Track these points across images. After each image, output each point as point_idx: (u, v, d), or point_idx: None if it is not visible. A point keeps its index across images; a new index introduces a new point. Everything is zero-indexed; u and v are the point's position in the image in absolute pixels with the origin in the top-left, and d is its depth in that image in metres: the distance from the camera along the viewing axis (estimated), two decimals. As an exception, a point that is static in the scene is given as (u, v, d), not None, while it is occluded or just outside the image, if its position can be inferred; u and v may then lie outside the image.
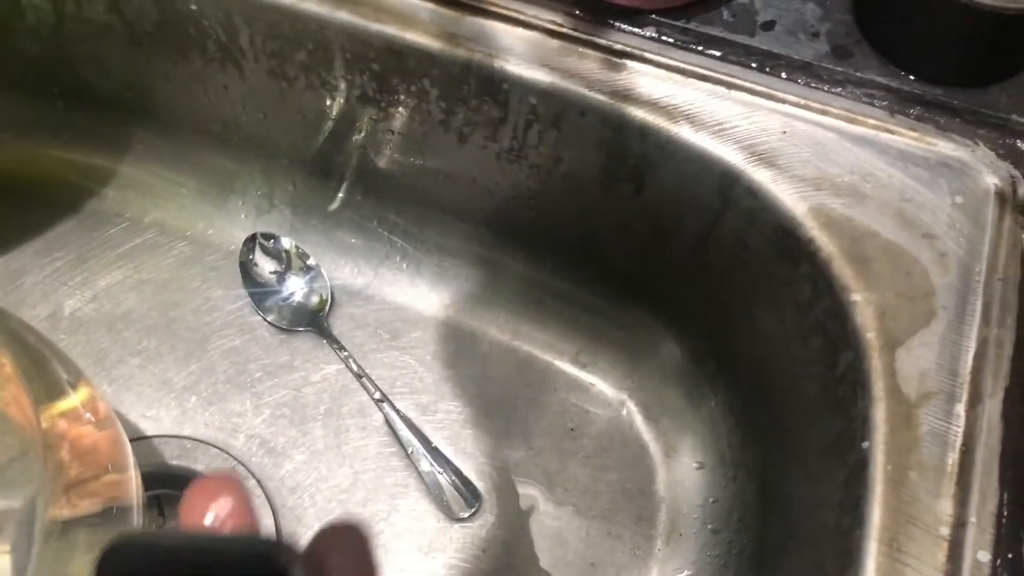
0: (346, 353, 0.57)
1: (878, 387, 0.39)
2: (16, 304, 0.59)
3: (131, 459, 0.48)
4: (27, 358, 0.47)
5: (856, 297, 0.40)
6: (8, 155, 0.62)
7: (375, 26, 0.46)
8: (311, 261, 0.59)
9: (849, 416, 0.40)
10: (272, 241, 0.59)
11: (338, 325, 0.58)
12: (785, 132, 0.44)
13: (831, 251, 0.42)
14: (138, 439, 0.55)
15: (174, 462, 0.55)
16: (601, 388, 0.57)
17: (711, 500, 0.53)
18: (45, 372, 0.48)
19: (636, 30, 0.46)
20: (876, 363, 0.39)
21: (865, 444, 0.38)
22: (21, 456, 0.48)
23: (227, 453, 0.55)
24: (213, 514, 0.22)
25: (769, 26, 0.46)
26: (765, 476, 0.50)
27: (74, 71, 0.57)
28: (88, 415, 0.50)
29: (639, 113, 0.44)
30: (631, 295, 0.55)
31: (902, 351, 0.39)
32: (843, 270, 0.41)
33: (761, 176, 0.43)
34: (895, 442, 0.38)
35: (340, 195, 0.59)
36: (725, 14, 0.46)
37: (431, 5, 0.46)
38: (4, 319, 0.46)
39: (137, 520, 0.47)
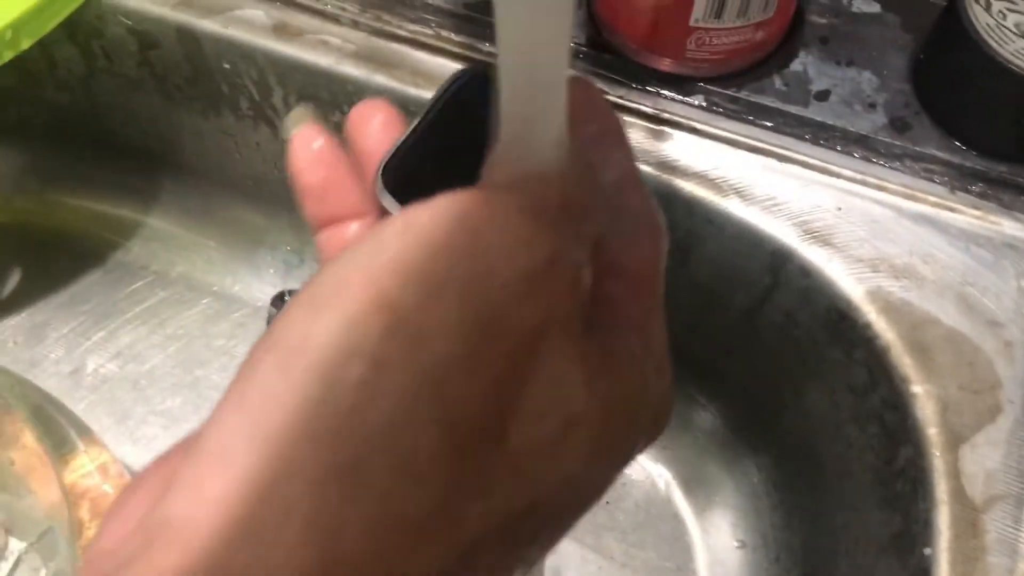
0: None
1: (941, 488, 0.37)
2: (39, 359, 0.57)
3: None
4: (43, 426, 0.46)
5: (916, 389, 0.38)
6: (33, 205, 0.61)
7: (413, 91, 0.45)
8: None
9: (909, 516, 0.38)
10: (300, 299, 0.58)
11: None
12: (840, 208, 0.42)
13: (889, 338, 0.39)
14: (159, 503, 0.54)
15: (196, 528, 0.53)
16: (638, 458, 0.55)
17: (753, 583, 0.51)
18: (59, 438, 0.47)
19: (684, 98, 0.44)
20: (938, 462, 0.37)
21: (928, 551, 0.36)
22: (48, 532, 0.47)
23: (250, 520, 0.53)
24: None
25: (824, 96, 0.44)
26: (810, 563, 0.48)
27: (102, 122, 0.56)
28: (102, 478, 0.49)
29: (686, 186, 0.43)
30: (672, 364, 0.53)
31: (966, 449, 0.37)
32: (902, 359, 0.39)
33: (815, 255, 0.41)
34: (960, 550, 0.35)
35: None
36: (777, 82, 0.44)
37: (471, 69, 0.45)
38: (23, 388, 0.45)
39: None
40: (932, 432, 0.37)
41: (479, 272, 0.17)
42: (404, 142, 0.26)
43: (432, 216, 0.17)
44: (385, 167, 0.25)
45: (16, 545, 0.49)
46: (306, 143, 0.26)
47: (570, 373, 0.18)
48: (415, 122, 0.26)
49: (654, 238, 0.23)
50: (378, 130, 0.26)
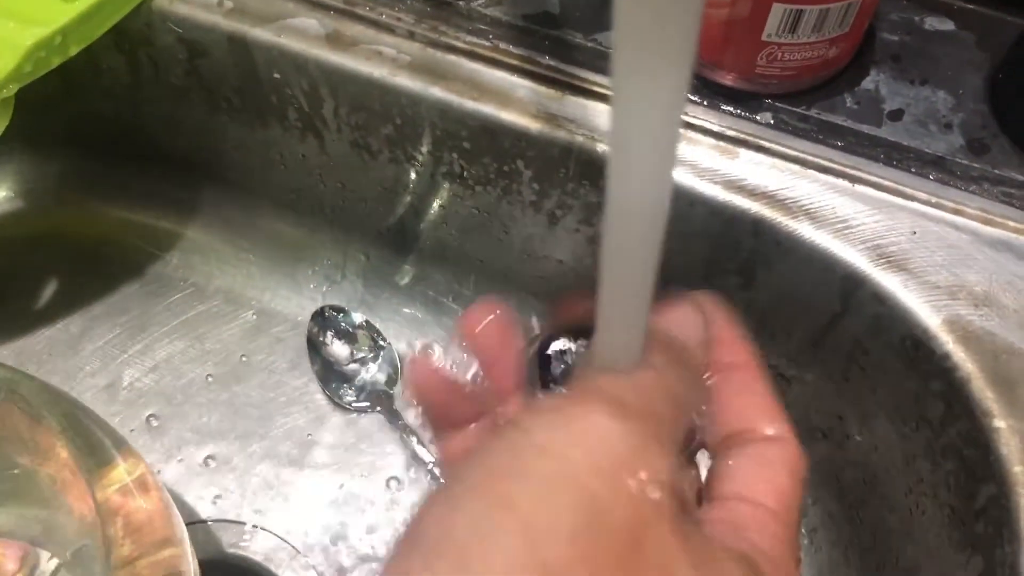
0: (416, 438, 0.53)
1: (1028, 529, 0.35)
2: (74, 371, 0.56)
3: (185, 535, 0.45)
4: (79, 438, 0.45)
5: (1000, 424, 0.36)
6: (73, 214, 0.60)
7: (470, 104, 0.43)
8: (381, 340, 0.56)
9: (992, 559, 0.36)
10: (341, 315, 0.56)
11: (406, 406, 0.55)
12: (915, 232, 0.40)
13: (970, 369, 0.38)
14: (195, 522, 0.52)
15: (231, 550, 0.52)
16: (688, 487, 0.53)
17: (810, 620, 0.49)
18: (95, 450, 0.46)
19: (752, 115, 0.42)
20: (1024, 501, 0.35)
21: (1015, 596, 0.34)
22: (81, 549, 0.46)
23: (287, 542, 0.52)
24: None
25: (897, 115, 0.42)
26: (874, 600, 0.46)
27: (146, 132, 0.55)
28: (139, 492, 0.47)
29: (753, 206, 0.41)
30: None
31: (1054, 488, 0.35)
32: (984, 392, 0.37)
33: (889, 281, 0.39)
34: (1050, 595, 0.33)
35: (414, 268, 0.56)
36: (849, 101, 0.43)
37: (529, 83, 0.44)
38: (57, 399, 0.44)
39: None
40: (1018, 470, 0.35)
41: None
42: None
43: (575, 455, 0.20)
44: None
45: (49, 563, 0.48)
46: (427, 366, 0.27)
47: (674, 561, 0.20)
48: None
49: (792, 469, 0.25)
50: (493, 333, 0.27)
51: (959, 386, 0.38)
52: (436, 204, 0.51)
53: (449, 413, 0.27)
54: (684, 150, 0.42)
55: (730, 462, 0.25)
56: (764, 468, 0.25)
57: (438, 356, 0.27)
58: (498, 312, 0.27)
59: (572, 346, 0.26)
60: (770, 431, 0.26)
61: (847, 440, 0.46)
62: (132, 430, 0.54)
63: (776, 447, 0.26)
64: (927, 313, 0.39)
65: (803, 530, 0.51)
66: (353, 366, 0.55)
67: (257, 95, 0.49)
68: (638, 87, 0.18)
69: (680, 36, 0.17)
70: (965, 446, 0.38)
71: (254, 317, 0.58)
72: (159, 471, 0.53)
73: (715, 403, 0.26)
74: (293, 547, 0.52)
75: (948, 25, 0.45)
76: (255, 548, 0.51)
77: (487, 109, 0.43)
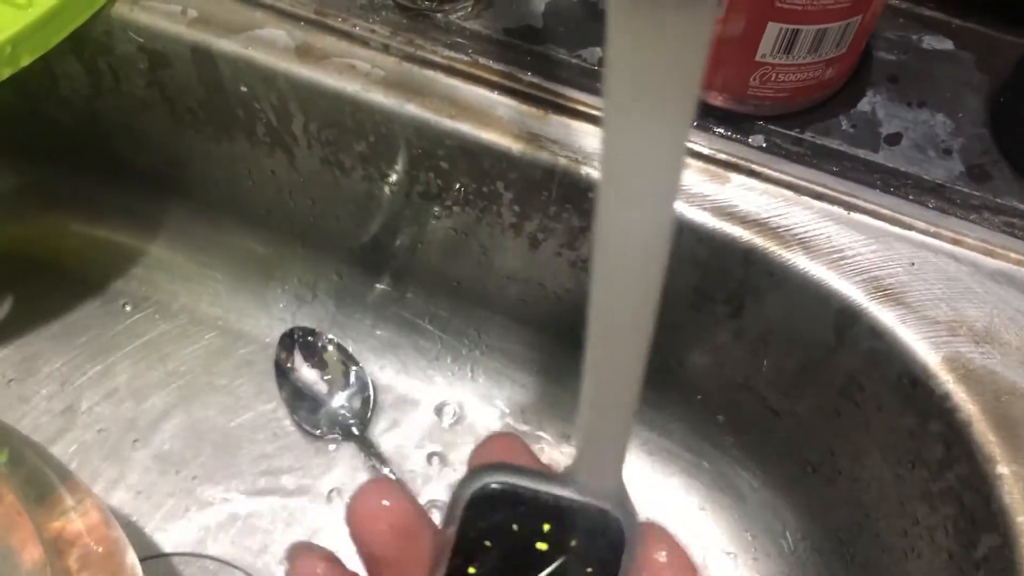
0: (388, 469, 0.51)
1: (1033, 583, 0.33)
2: (29, 395, 0.53)
3: (138, 569, 0.43)
4: (24, 475, 0.42)
5: (1003, 470, 0.35)
6: (30, 229, 0.57)
7: (448, 122, 0.41)
8: (353, 364, 0.53)
9: (995, 612, 0.34)
10: (311, 337, 0.54)
11: (381, 434, 0.53)
12: (913, 264, 0.38)
13: (971, 411, 0.36)
14: (155, 556, 0.50)
15: (193, 585, 0.49)
16: (673, 520, 0.51)
17: (798, 662, 0.47)
18: (39, 484, 0.44)
19: (743, 138, 0.40)
20: (1029, 553, 0.33)
21: (1020, 654, 0.32)
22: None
23: (252, 577, 0.49)
24: None
25: (895, 139, 0.40)
26: (865, 643, 0.44)
27: (107, 144, 0.53)
28: (84, 522, 0.45)
29: (744, 234, 0.39)
30: (711, 419, 0.49)
31: (1060, 538, 0.33)
32: (986, 436, 0.35)
33: (886, 316, 0.37)
34: (1057, 654, 0.32)
35: (388, 289, 0.54)
36: (844, 124, 0.41)
37: (510, 101, 0.41)
38: (5, 438, 0.41)
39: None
40: (1022, 520, 0.34)
41: None
42: None
43: None
44: None
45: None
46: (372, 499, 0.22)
47: None
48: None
49: None
50: (388, 525, 0.22)
51: (960, 428, 0.36)
52: (411, 224, 0.48)
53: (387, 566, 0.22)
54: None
55: None
56: None
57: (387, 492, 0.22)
58: (393, 497, 0.22)
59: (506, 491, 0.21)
60: None
61: (838, 476, 0.45)
62: (90, 459, 0.52)
63: None
64: (926, 350, 0.37)
65: (789, 560, 0.49)
66: (323, 392, 0.53)
67: (223, 108, 0.46)
68: (633, 139, 0.16)
69: (686, 77, 0.15)
70: (965, 491, 0.36)
71: (220, 338, 0.55)
72: (117, 501, 0.50)
73: None
74: (259, 582, 0.49)
75: (947, 44, 0.43)
76: (218, 584, 0.49)
77: (465, 128, 0.41)
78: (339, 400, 0.53)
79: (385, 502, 0.21)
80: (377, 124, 0.43)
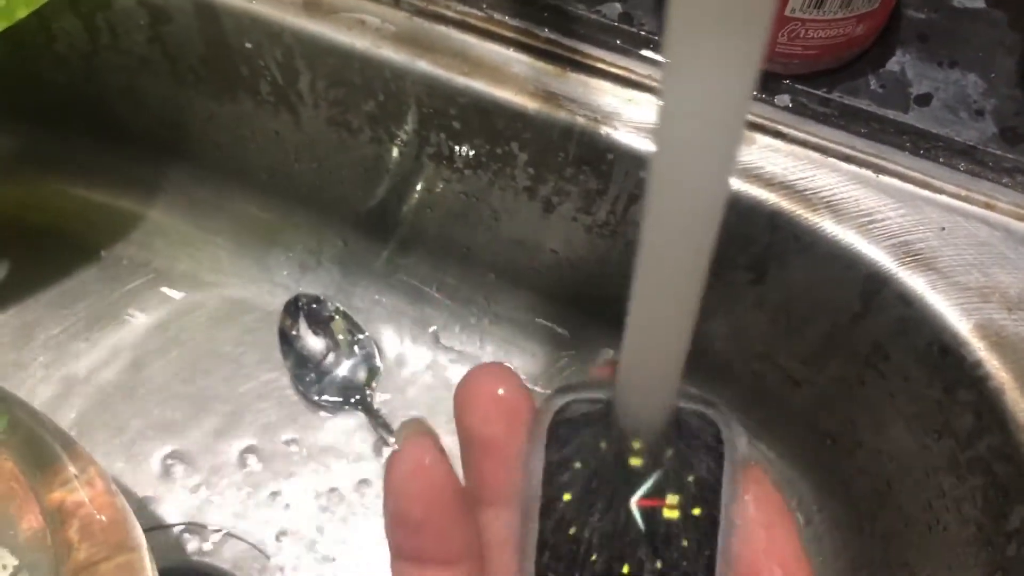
0: (394, 439, 0.50)
1: (1068, 556, 0.32)
2: (27, 363, 0.52)
3: (142, 539, 0.42)
4: (20, 440, 0.41)
5: (1037, 439, 0.34)
6: (26, 194, 0.55)
7: (460, 80, 0.40)
8: (359, 332, 0.52)
9: (1027, 586, 0.33)
10: (316, 305, 0.52)
11: (387, 403, 0.52)
12: (944, 228, 0.37)
13: (1004, 379, 0.35)
14: (157, 527, 0.48)
15: (197, 557, 0.48)
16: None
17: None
18: (39, 452, 0.43)
19: (769, 98, 0.39)
20: (1063, 524, 0.32)
21: (1054, 628, 0.31)
22: (30, 566, 0.42)
23: (258, 549, 0.48)
24: None
25: (925, 100, 0.39)
26: (884, 617, 0.43)
27: (105, 105, 0.51)
28: (89, 494, 0.44)
29: (771, 197, 0.38)
30: (728, 389, 0.48)
31: (1095, 510, 0.32)
32: (1019, 404, 0.34)
33: (916, 282, 0.36)
34: (1092, 628, 0.31)
35: (395, 256, 0.52)
36: (873, 83, 0.39)
37: (527, 58, 0.40)
38: (4, 405, 0.40)
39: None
40: (1057, 491, 0.33)
41: None
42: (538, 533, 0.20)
43: None
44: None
45: (9, 559, 0.44)
46: (410, 463, 0.20)
47: None
48: (529, 509, 0.20)
49: None
50: (496, 409, 0.20)
51: (991, 396, 0.35)
52: (420, 187, 0.47)
53: (419, 535, 0.21)
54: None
55: None
56: None
57: (433, 456, 0.20)
58: (510, 381, 0.20)
59: (588, 409, 0.20)
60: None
61: (859, 447, 0.44)
62: (89, 427, 0.50)
63: None
64: (956, 317, 0.36)
65: (806, 535, 0.48)
66: (328, 361, 0.51)
67: (226, 66, 0.45)
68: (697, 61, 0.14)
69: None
70: (996, 461, 0.35)
71: (222, 306, 0.54)
72: (118, 471, 0.49)
73: None
74: (263, 553, 0.48)
75: (978, 3, 0.41)
76: (222, 554, 0.48)
77: (479, 86, 0.39)
78: (344, 369, 0.51)
79: (500, 390, 0.20)
80: (387, 82, 0.41)
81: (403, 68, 0.40)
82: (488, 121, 0.40)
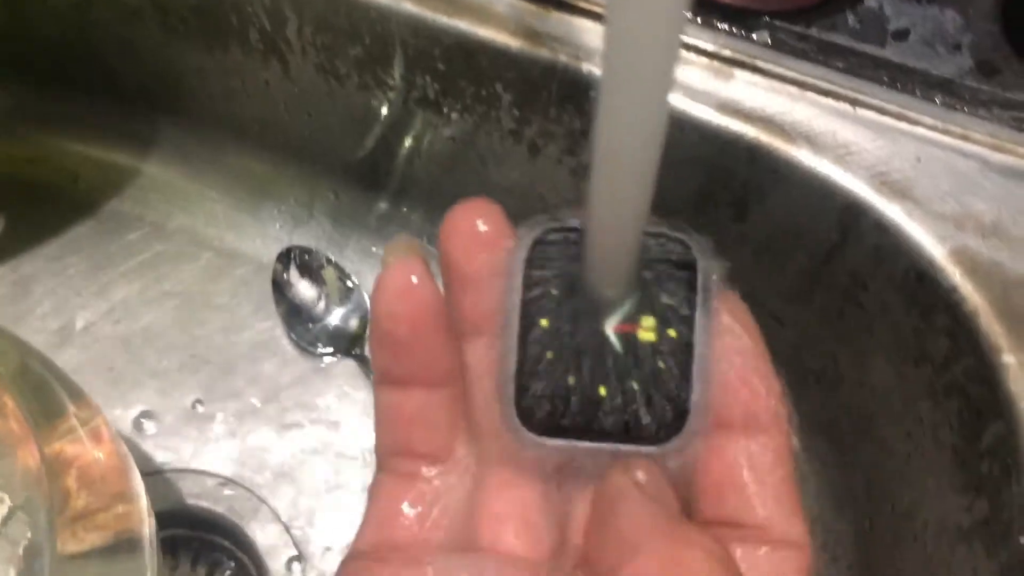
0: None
1: (1038, 469, 0.33)
2: (24, 314, 0.53)
3: (141, 489, 0.43)
4: (28, 386, 0.42)
5: (1009, 359, 0.34)
6: (22, 149, 0.56)
7: (444, 20, 0.40)
8: (350, 282, 0.53)
9: (1000, 500, 0.34)
10: (309, 256, 0.53)
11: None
12: (920, 160, 0.38)
13: (977, 303, 0.35)
14: (154, 473, 0.49)
15: (192, 501, 0.49)
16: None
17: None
18: (47, 399, 0.43)
19: (748, 34, 0.40)
20: (1034, 440, 0.33)
21: (1024, 539, 0.32)
22: (28, 500, 0.43)
23: (252, 492, 0.49)
24: None
25: (902, 35, 0.39)
26: (864, 551, 0.44)
27: (98, 59, 0.52)
28: (93, 444, 0.45)
29: (749, 130, 0.38)
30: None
31: (1066, 426, 0.33)
32: (992, 327, 0.35)
33: (892, 210, 0.37)
34: (1062, 538, 0.32)
35: (386, 207, 0.53)
36: (851, 19, 0.40)
37: (510, -3, 0.40)
38: (6, 344, 0.41)
39: (149, 557, 0.42)
40: (1028, 407, 0.33)
41: None
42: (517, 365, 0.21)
43: None
44: (520, 409, 0.21)
45: (5, 498, 0.45)
46: (398, 282, 0.21)
47: None
48: (508, 335, 0.21)
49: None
50: (477, 243, 0.21)
51: (966, 320, 0.35)
52: (409, 135, 0.48)
53: (404, 356, 0.21)
54: (676, 71, 0.39)
55: None
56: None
57: (420, 276, 0.21)
58: (491, 216, 0.21)
59: (565, 238, 0.20)
60: (788, 533, 0.20)
61: (841, 383, 0.44)
62: (86, 376, 0.51)
63: (790, 559, 0.20)
64: (932, 243, 0.36)
65: (802, 473, 0.49)
66: (321, 310, 0.52)
67: (216, 15, 0.45)
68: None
69: None
70: (970, 383, 0.36)
71: (216, 258, 0.55)
72: (115, 418, 0.50)
73: (716, 471, 0.20)
74: (257, 497, 0.49)
75: (956, -59, 0.42)
76: (217, 498, 0.49)
77: (463, 25, 0.40)
78: (336, 318, 0.52)
79: (482, 225, 0.20)
80: (372, 24, 0.42)
81: (388, 9, 0.41)
82: (472, 61, 0.41)
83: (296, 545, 0.48)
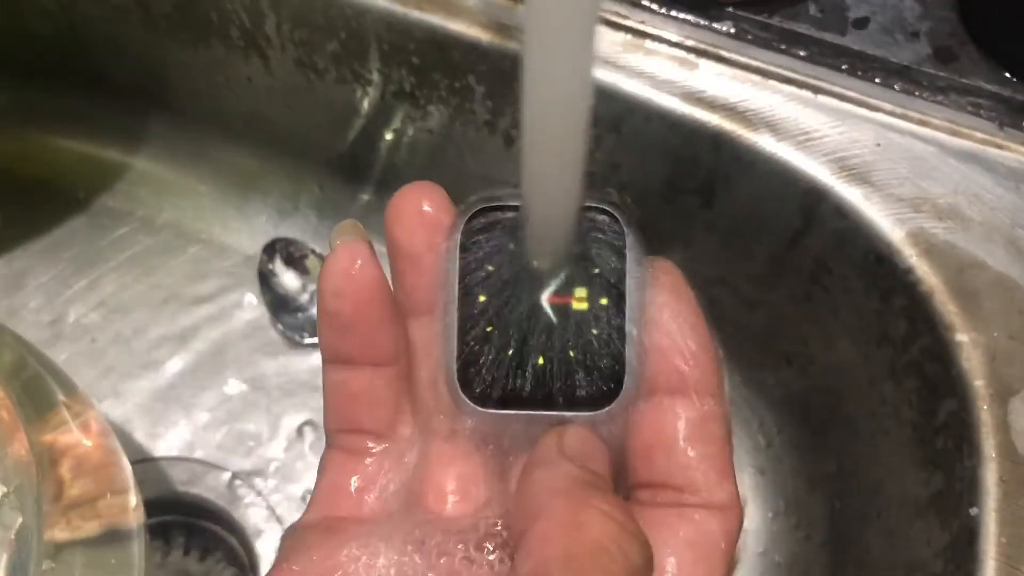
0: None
1: (988, 444, 0.34)
2: (17, 308, 0.54)
3: (132, 480, 0.44)
4: (21, 379, 0.43)
5: (962, 338, 0.35)
6: (13, 145, 0.57)
7: (416, 14, 0.41)
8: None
9: (952, 474, 0.35)
10: (293, 248, 0.54)
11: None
12: (879, 145, 0.39)
13: (932, 283, 0.36)
14: (144, 460, 0.51)
15: (182, 488, 0.50)
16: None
17: (772, 551, 0.48)
18: (40, 392, 0.45)
19: (711, 24, 0.41)
20: (985, 416, 0.34)
21: (974, 511, 0.33)
22: (16, 489, 0.44)
23: (240, 479, 0.50)
24: None
25: (862, 23, 0.40)
26: (836, 529, 0.45)
27: (87, 57, 0.53)
28: (84, 436, 0.46)
29: (712, 118, 0.39)
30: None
31: (1016, 402, 0.34)
32: (946, 306, 0.36)
33: (852, 194, 0.38)
34: (1010, 509, 0.32)
35: (369, 199, 0.54)
36: (812, 8, 0.41)
37: (480, -8, 0.41)
38: (19, 347, 0.42)
39: (139, 546, 0.43)
40: (979, 384, 0.34)
41: None
42: (459, 343, 0.22)
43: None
44: (461, 381, 0.22)
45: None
46: (343, 263, 0.21)
47: None
48: (448, 310, 0.22)
49: (729, 551, 0.21)
50: (420, 223, 0.22)
51: (922, 300, 0.36)
52: (388, 128, 0.49)
53: (349, 335, 0.22)
54: (641, 62, 0.40)
55: (657, 532, 0.20)
56: (702, 554, 0.20)
57: (364, 258, 0.21)
58: (434, 198, 0.22)
59: (500, 216, 0.22)
60: (715, 495, 0.21)
61: (811, 366, 0.45)
62: (78, 368, 0.53)
63: (717, 519, 0.21)
64: (890, 226, 0.37)
65: (767, 456, 0.50)
66: (305, 300, 0.53)
67: (196, 12, 0.47)
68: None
69: None
70: (927, 362, 0.37)
71: (204, 251, 0.56)
72: (106, 408, 0.51)
73: (648, 432, 0.21)
74: (246, 484, 0.50)
75: (916, -69, 0.43)
76: (207, 485, 0.50)
77: (435, 19, 0.41)
78: (322, 307, 0.53)
79: (426, 206, 0.22)
80: (347, 19, 0.43)
81: (362, 5, 0.42)
82: (445, 55, 0.42)
83: (284, 528, 0.49)
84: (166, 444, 0.51)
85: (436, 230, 0.22)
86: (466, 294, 0.22)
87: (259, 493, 0.50)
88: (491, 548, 0.22)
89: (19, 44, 0.54)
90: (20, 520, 0.45)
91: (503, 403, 0.22)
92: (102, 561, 0.42)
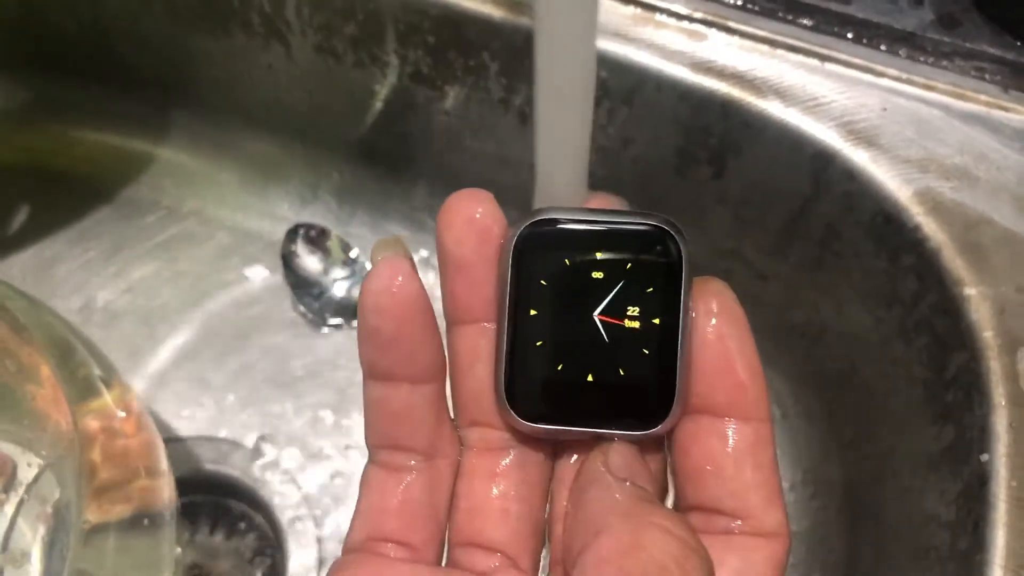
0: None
1: (998, 392, 0.34)
2: (48, 295, 0.56)
3: (165, 463, 0.45)
4: (62, 356, 0.44)
5: (970, 291, 0.36)
6: (40, 140, 0.59)
7: (436, -6, 0.43)
8: (353, 253, 0.55)
9: (963, 425, 0.35)
10: (315, 232, 0.56)
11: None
12: (885, 109, 0.39)
13: (940, 240, 0.37)
14: (172, 440, 0.52)
15: (209, 466, 0.51)
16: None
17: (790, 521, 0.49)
18: (79, 369, 0.46)
19: (718, -3, 0.42)
20: (994, 365, 0.35)
21: (984, 457, 0.33)
22: (59, 460, 0.45)
23: (266, 457, 0.51)
24: None
25: (866, -7, 0.41)
26: (851, 494, 0.45)
27: (112, 50, 0.54)
28: (121, 415, 0.47)
29: (722, 87, 0.40)
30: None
31: (1025, 352, 0.35)
32: (954, 261, 0.37)
33: (859, 157, 0.39)
34: (1020, 454, 0.33)
35: (388, 184, 0.55)
36: (817, -20, 0.42)
37: (493, -29, 0.43)
38: (40, 314, 0.43)
39: (170, 528, 0.44)
40: (987, 335, 0.35)
41: None
42: (506, 356, 0.22)
43: None
44: (509, 396, 0.22)
45: (29, 470, 0.47)
46: (385, 280, 0.21)
47: None
48: (499, 323, 0.22)
49: None
50: (470, 231, 0.22)
51: (930, 257, 0.37)
52: (406, 113, 0.50)
53: (390, 352, 0.22)
54: (651, 34, 0.41)
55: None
56: None
57: (406, 275, 0.21)
58: (485, 205, 0.22)
59: (554, 229, 0.21)
60: (764, 522, 0.21)
61: (824, 332, 0.46)
62: (107, 351, 0.54)
63: (765, 548, 0.21)
64: (898, 186, 0.38)
65: (781, 426, 0.50)
66: (327, 282, 0.55)
67: (218, 1, 0.48)
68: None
69: None
70: (936, 318, 0.37)
71: (227, 238, 0.57)
72: (136, 390, 0.53)
73: (696, 457, 0.21)
74: (272, 462, 0.51)
75: (919, -96, 0.44)
76: (233, 464, 0.51)
77: (466, 4, 0.42)
78: (341, 289, 0.55)
79: (477, 213, 0.21)
80: (364, 1, 0.44)
81: (380, -13, 0.43)
82: (459, 33, 0.43)
83: (309, 506, 0.50)
84: (193, 424, 0.52)
85: (486, 238, 0.21)
86: (517, 308, 0.22)
87: (285, 471, 0.51)
88: (543, 567, 0.22)
89: (44, 40, 0.56)
90: (58, 494, 0.46)
91: (550, 419, 0.22)
92: (134, 543, 0.43)
